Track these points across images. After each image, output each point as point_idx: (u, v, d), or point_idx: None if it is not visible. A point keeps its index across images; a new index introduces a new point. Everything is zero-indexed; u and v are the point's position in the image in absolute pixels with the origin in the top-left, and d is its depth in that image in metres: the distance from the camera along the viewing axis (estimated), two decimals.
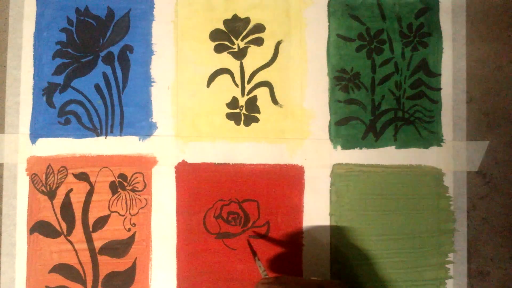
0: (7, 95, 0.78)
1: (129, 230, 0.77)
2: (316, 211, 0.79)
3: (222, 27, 0.81)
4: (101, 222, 0.77)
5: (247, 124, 0.80)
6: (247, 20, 0.81)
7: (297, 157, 0.79)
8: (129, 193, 0.78)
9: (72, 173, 0.77)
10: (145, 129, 0.79)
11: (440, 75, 0.82)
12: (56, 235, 0.77)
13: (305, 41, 0.81)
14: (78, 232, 0.77)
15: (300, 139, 0.80)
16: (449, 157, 0.81)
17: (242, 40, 0.81)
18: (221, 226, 0.78)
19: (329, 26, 0.82)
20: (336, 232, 0.79)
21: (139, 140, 0.78)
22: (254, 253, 0.76)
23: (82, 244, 0.77)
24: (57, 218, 0.77)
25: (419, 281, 0.79)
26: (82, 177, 0.77)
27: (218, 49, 0.81)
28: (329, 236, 0.79)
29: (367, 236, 0.79)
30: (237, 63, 0.80)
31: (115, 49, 0.79)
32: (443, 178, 0.81)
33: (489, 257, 0.81)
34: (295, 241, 0.78)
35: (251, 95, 0.80)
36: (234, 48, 0.81)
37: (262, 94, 0.80)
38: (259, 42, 0.81)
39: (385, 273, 0.79)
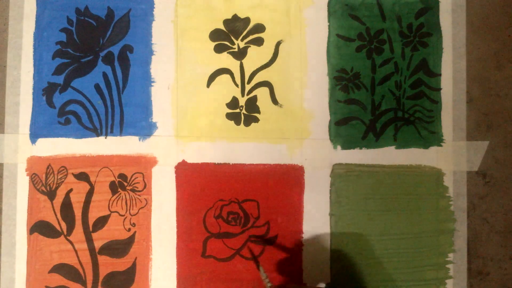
0: (7, 95, 0.78)
1: (129, 230, 0.77)
2: (316, 211, 0.79)
3: (222, 27, 0.81)
4: (101, 222, 0.77)
5: (247, 124, 0.80)
6: (247, 20, 0.81)
7: (297, 157, 0.79)
8: (129, 193, 0.78)
9: (72, 173, 0.77)
10: (145, 129, 0.79)
11: (440, 75, 0.82)
12: (56, 235, 0.77)
13: (305, 41, 0.81)
14: (78, 232, 0.77)
15: (300, 139, 0.80)
16: (449, 157, 0.81)
17: (242, 40, 0.81)
18: (221, 226, 0.78)
19: (329, 26, 0.82)
20: (336, 232, 0.79)
21: (139, 140, 0.78)
22: (257, 262, 0.76)
23: (82, 244, 0.77)
24: (57, 218, 0.77)
25: (419, 281, 0.79)
26: (82, 177, 0.77)
27: (218, 49, 0.81)
28: (329, 236, 0.79)
29: (367, 236, 0.79)
30: (237, 63, 0.80)
31: (115, 49, 0.79)
32: (443, 178, 0.81)
33: (489, 257, 0.81)
34: (295, 241, 0.78)
35: (251, 95, 0.80)
36: (234, 48, 0.81)
37: (262, 94, 0.80)
38: (259, 42, 0.81)
39: (385, 273, 0.79)
